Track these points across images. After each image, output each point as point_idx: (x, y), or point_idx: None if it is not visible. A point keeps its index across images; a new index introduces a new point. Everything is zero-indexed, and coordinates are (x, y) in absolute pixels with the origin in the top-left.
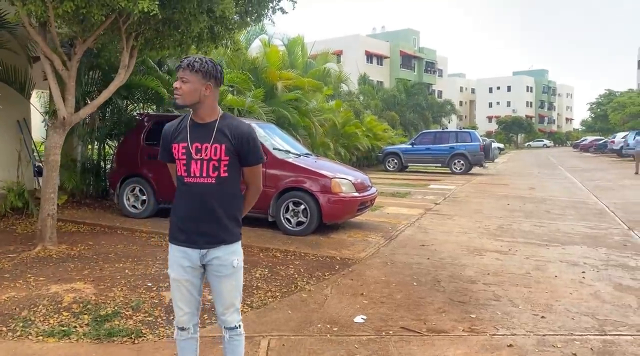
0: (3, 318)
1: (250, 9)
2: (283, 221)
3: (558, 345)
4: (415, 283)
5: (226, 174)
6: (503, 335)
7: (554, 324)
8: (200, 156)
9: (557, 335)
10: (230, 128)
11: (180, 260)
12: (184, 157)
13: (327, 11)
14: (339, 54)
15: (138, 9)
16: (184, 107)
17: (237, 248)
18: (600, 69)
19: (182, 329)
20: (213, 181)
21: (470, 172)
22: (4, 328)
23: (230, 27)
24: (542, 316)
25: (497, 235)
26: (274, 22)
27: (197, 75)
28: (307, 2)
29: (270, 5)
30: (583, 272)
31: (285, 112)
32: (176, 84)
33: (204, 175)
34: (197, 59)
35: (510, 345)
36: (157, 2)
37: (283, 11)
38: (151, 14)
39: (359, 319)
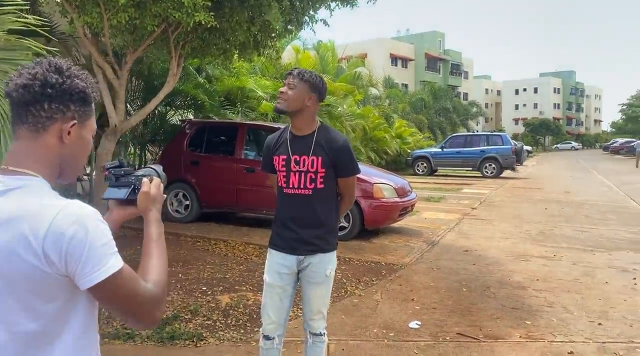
0: None
1: (293, 17)
2: None
3: (620, 353)
4: (464, 289)
5: (322, 186)
6: (562, 341)
7: (612, 331)
8: (299, 168)
9: (617, 342)
10: (327, 140)
11: (277, 266)
12: (284, 169)
13: (349, 14)
14: (363, 58)
15: (194, 21)
16: (284, 112)
17: (331, 257)
18: (631, 69)
19: (267, 338)
20: (310, 192)
21: (502, 175)
22: None
23: (274, 35)
24: (599, 324)
25: (540, 241)
26: (314, 32)
27: (305, 84)
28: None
29: (312, 12)
30: (634, 279)
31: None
32: (282, 89)
33: (302, 186)
34: (307, 71)
35: (571, 352)
36: (213, 13)
37: (326, 23)
38: (207, 25)
39: (413, 325)
